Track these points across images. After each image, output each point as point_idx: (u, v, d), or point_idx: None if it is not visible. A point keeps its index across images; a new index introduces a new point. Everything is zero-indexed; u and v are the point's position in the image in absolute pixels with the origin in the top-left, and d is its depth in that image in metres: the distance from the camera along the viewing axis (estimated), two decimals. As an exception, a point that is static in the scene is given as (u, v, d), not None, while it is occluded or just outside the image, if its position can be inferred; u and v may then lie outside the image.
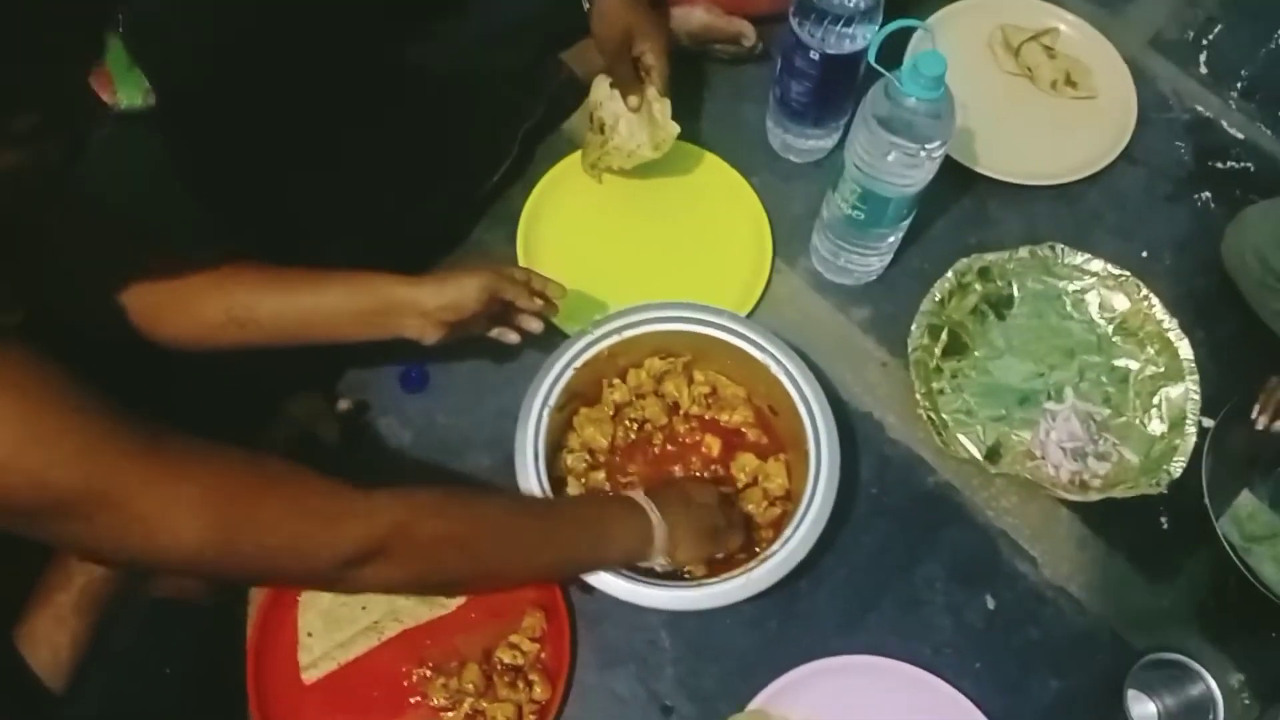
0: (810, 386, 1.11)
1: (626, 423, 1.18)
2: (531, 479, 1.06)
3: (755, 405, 1.18)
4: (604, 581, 1.01)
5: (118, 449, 0.69)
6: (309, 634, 1.08)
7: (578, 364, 1.13)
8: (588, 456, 1.15)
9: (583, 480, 1.13)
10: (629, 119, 1.26)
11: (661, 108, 1.24)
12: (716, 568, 1.06)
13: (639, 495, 1.01)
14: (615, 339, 1.15)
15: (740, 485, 1.14)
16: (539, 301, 1.09)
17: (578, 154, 1.33)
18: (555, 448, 1.13)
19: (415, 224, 1.25)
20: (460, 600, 1.09)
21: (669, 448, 1.17)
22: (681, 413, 1.19)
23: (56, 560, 0.99)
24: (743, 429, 1.18)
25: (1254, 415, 1.13)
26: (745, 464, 1.14)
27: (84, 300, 0.93)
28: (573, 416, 1.16)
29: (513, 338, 1.13)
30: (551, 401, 1.11)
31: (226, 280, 0.97)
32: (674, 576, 1.04)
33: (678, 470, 1.16)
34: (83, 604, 0.99)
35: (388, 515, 0.81)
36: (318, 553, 0.79)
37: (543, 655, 1.07)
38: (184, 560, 0.75)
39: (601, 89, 1.27)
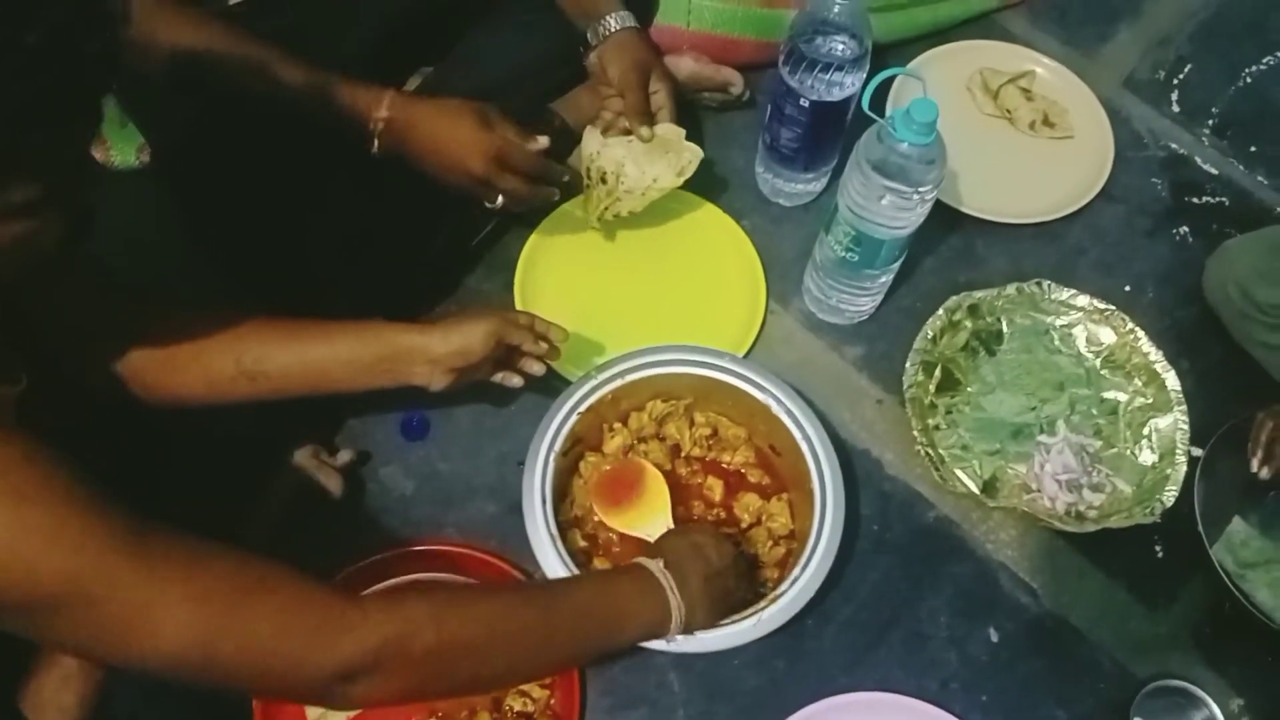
0: (812, 425, 1.13)
1: None
2: (540, 527, 1.07)
3: (756, 445, 1.19)
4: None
5: (104, 545, 0.67)
6: (317, 688, 1.07)
7: (581, 409, 1.14)
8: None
9: (588, 529, 1.14)
10: (635, 159, 1.27)
11: (678, 135, 1.27)
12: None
13: (655, 566, 0.97)
14: (618, 383, 1.16)
15: (744, 525, 1.15)
16: (543, 345, 1.11)
17: (571, 202, 1.35)
18: (561, 494, 1.14)
19: (414, 273, 1.26)
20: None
21: (671, 491, 1.17)
22: (683, 455, 1.20)
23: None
24: (744, 470, 1.19)
25: (1254, 467, 1.15)
26: (749, 504, 1.16)
27: (88, 363, 0.93)
28: (578, 462, 1.17)
29: (516, 381, 1.13)
30: (557, 447, 1.12)
31: (235, 334, 0.97)
32: None
33: (681, 511, 1.16)
34: (89, 664, 0.99)
35: (381, 631, 0.78)
36: (305, 667, 0.76)
37: (553, 702, 1.07)
38: (164, 663, 0.71)
39: (594, 140, 1.29)
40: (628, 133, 1.28)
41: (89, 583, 0.66)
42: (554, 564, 1.05)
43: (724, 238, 1.37)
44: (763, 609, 1.03)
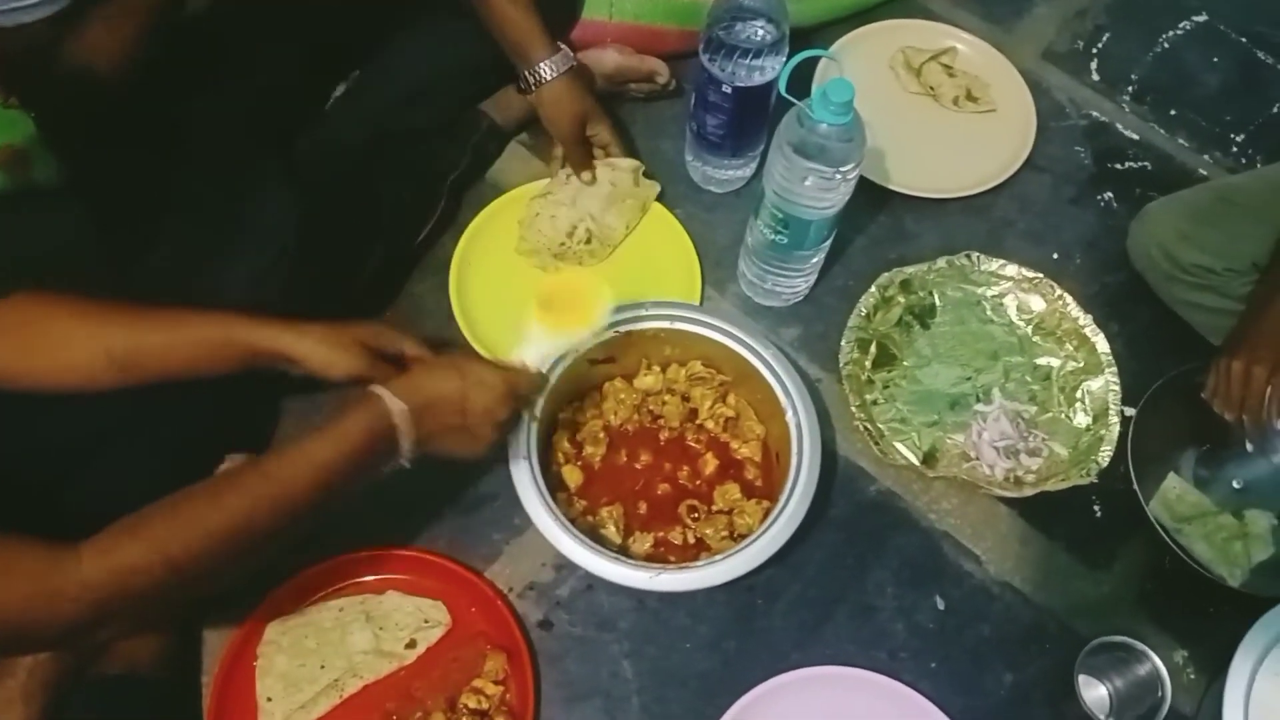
0: (811, 440, 1.12)
1: (643, 411, 1.21)
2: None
3: (766, 446, 1.20)
4: (588, 560, 1.03)
5: None
6: (269, 699, 1.06)
7: (630, 328, 1.17)
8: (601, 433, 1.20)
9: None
10: (604, 208, 1.33)
11: (635, 171, 1.33)
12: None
13: (396, 407, 0.93)
14: (666, 325, 1.18)
15: (714, 509, 1.16)
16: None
17: (502, 199, 1.36)
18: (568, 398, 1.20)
19: (351, 282, 1.25)
20: (420, 650, 1.09)
21: (670, 447, 1.21)
22: (697, 422, 1.21)
23: (0, 646, 0.98)
24: (745, 463, 1.19)
25: (1218, 406, 1.15)
26: (728, 493, 1.16)
27: None
28: (604, 381, 1.22)
29: None
30: (586, 350, 1.15)
31: (100, 321, 0.93)
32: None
33: (669, 468, 1.19)
34: (30, 687, 0.98)
35: (98, 587, 0.76)
36: (32, 632, 0.75)
37: (507, 697, 1.08)
38: None
39: (569, 208, 1.33)
40: None
41: None
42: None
43: (658, 227, 1.38)
44: (733, 554, 1.04)
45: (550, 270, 1.33)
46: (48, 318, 0.92)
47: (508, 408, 1.01)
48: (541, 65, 1.25)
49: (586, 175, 1.33)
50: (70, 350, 0.92)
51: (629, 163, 1.34)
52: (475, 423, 0.99)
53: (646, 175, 1.37)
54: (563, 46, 1.27)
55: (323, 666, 1.08)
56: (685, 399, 1.22)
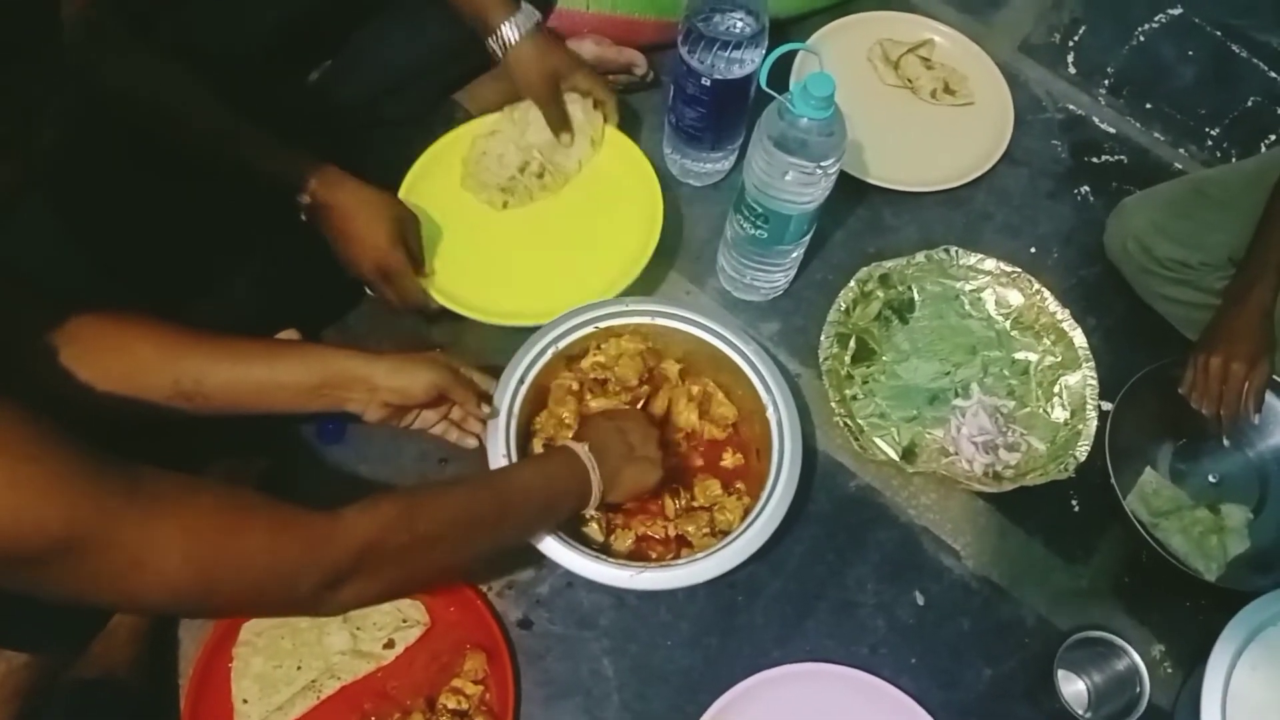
0: (792, 437, 1.12)
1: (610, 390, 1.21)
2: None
3: (747, 443, 1.19)
4: (570, 560, 1.03)
5: (97, 489, 0.68)
6: (244, 700, 1.05)
7: (604, 325, 1.18)
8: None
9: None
10: (553, 144, 1.31)
11: (585, 103, 1.31)
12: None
13: (581, 450, 1.02)
14: (646, 320, 1.19)
15: (694, 505, 1.15)
16: (485, 408, 1.10)
17: (445, 138, 1.34)
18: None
19: (321, 275, 1.23)
20: (398, 650, 1.08)
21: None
22: (672, 415, 1.21)
23: (-27, 652, 0.96)
24: (726, 456, 1.19)
25: (1194, 400, 1.17)
26: (709, 489, 1.15)
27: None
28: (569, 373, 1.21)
29: (470, 442, 1.13)
30: (561, 346, 1.16)
31: (173, 349, 0.93)
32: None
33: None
34: (5, 694, 0.97)
35: (360, 536, 0.81)
36: (297, 582, 0.79)
37: (487, 697, 1.07)
38: (167, 596, 0.74)
39: (515, 138, 1.31)
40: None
41: (85, 529, 0.67)
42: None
43: (618, 158, 1.35)
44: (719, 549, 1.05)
45: (496, 206, 1.31)
46: (124, 338, 0.91)
47: (651, 425, 1.11)
48: (504, 27, 1.23)
49: (566, 137, 1.31)
50: (145, 376, 0.91)
51: (575, 96, 1.31)
52: (642, 451, 1.07)
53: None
54: (524, 4, 1.25)
55: (299, 668, 1.07)
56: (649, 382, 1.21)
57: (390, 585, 0.87)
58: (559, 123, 1.30)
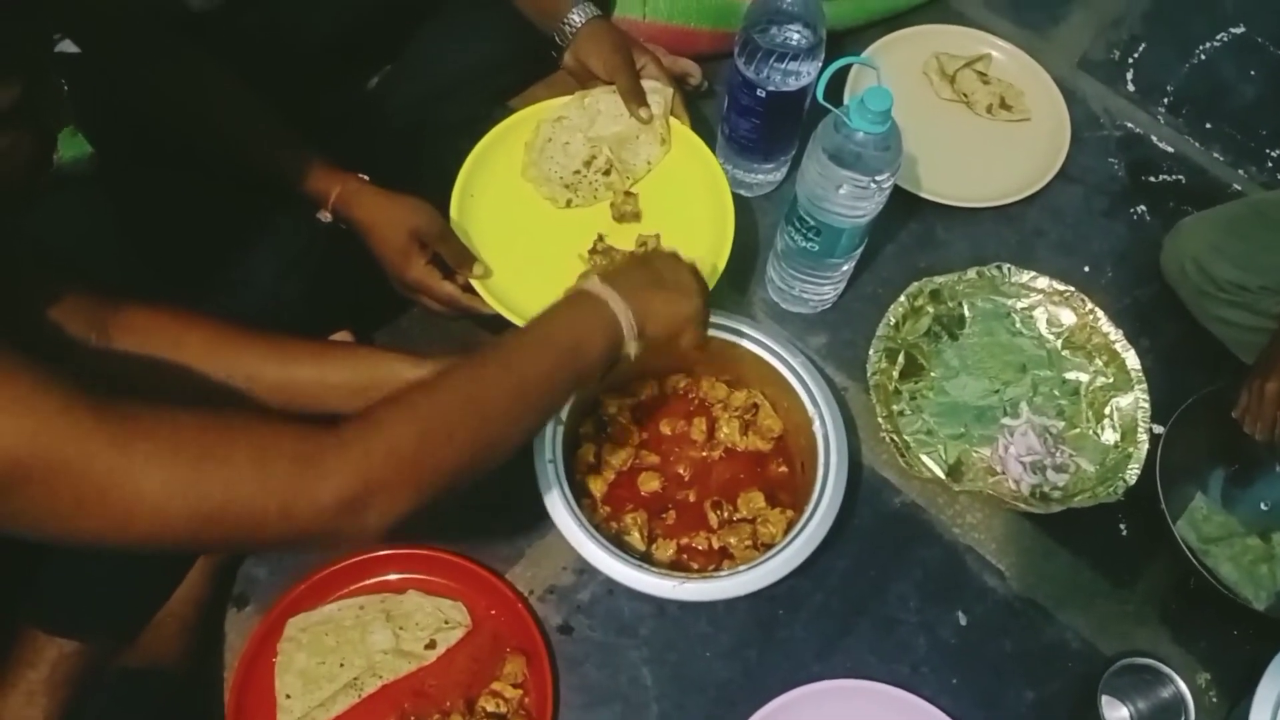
0: (839, 451, 1.11)
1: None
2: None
3: (792, 456, 1.19)
4: (612, 567, 1.02)
5: (68, 410, 0.65)
6: (287, 695, 1.06)
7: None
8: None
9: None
10: (621, 143, 1.26)
11: (665, 98, 1.27)
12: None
13: (591, 284, 0.92)
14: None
15: (737, 517, 1.15)
16: None
17: (508, 121, 1.28)
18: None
19: (369, 279, 1.24)
20: (440, 651, 1.09)
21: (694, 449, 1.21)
22: (718, 427, 1.21)
23: (25, 635, 0.98)
24: (771, 469, 1.19)
25: (1248, 426, 1.15)
26: (752, 501, 1.15)
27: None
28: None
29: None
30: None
31: (231, 348, 0.94)
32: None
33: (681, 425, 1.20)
34: (55, 680, 0.98)
35: (365, 445, 0.74)
36: (301, 502, 0.71)
37: (526, 701, 1.07)
38: (156, 526, 0.68)
39: (584, 133, 1.27)
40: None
41: (56, 450, 0.64)
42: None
43: (689, 162, 1.28)
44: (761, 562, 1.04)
45: (559, 204, 1.26)
46: (178, 332, 0.92)
47: (681, 259, 1.00)
48: (572, 13, 1.24)
49: (644, 113, 1.25)
50: (195, 375, 0.91)
51: (653, 85, 1.27)
52: (672, 277, 0.97)
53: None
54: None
55: (342, 665, 1.08)
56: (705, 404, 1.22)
57: (420, 491, 0.77)
58: (634, 94, 1.25)
